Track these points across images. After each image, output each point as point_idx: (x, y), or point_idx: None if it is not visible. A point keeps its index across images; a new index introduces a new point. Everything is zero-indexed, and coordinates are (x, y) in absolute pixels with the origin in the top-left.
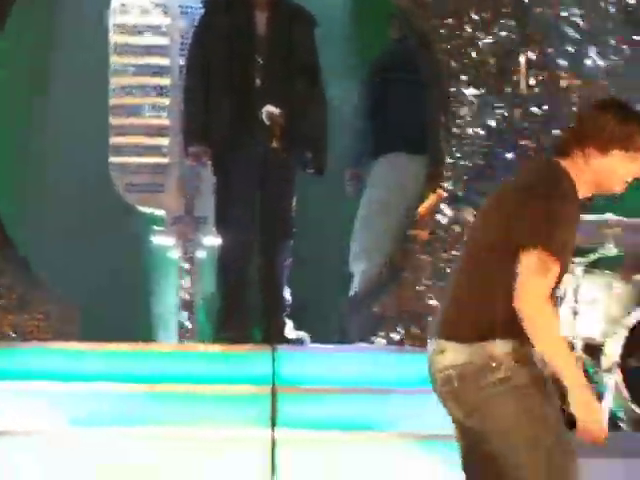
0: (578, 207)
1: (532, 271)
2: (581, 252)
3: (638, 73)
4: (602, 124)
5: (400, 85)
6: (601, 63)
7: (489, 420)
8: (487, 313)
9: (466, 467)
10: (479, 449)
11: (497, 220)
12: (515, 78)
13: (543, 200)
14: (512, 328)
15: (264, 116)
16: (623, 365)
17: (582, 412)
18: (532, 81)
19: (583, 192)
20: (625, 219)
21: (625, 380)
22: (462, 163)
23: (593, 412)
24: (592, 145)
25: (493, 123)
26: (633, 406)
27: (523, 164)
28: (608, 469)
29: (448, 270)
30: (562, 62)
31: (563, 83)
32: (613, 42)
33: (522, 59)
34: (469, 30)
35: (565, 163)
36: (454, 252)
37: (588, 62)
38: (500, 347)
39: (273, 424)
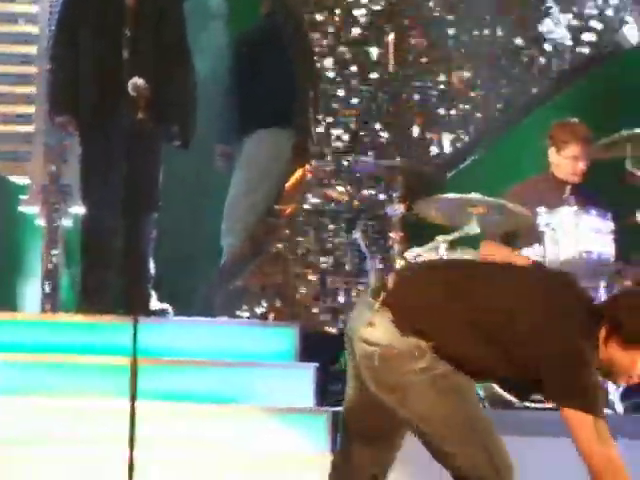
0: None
1: (594, 441)
2: (444, 231)
3: None
4: (635, 321)
5: (269, 60)
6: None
7: (409, 404)
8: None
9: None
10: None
11: (499, 314)
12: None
13: (581, 365)
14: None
15: (130, 88)
16: None
17: None
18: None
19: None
20: (488, 198)
21: None
22: (329, 140)
23: None
24: (616, 337)
25: (359, 100)
26: (493, 384)
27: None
28: None
29: (311, 245)
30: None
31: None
32: None
33: (390, 37)
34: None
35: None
36: (319, 228)
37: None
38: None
39: (133, 396)
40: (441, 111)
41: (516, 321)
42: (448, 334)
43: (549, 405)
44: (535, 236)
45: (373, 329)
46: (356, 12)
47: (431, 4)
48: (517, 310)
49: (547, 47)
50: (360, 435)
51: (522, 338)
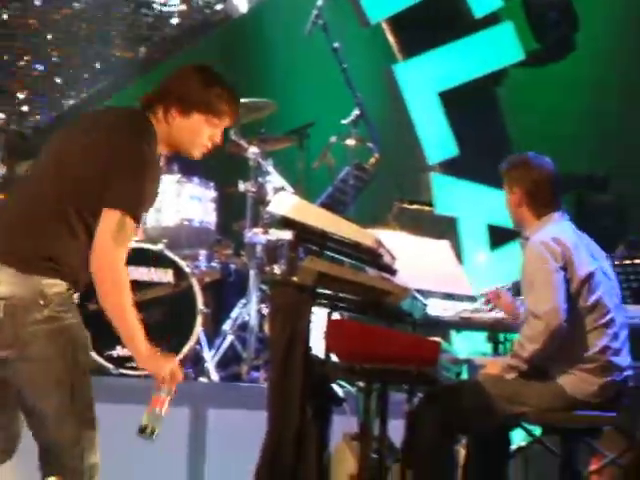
0: (159, 165)
1: (114, 238)
2: None
3: None
4: (186, 86)
5: None
6: None
7: (26, 357)
8: (41, 247)
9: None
10: (11, 389)
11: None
12: None
13: (130, 158)
14: (63, 269)
15: None
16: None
17: (154, 365)
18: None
19: (160, 149)
20: None
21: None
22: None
23: (162, 362)
24: (175, 105)
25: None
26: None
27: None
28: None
29: None
30: None
31: None
32: None
33: None
34: None
35: (150, 116)
36: None
37: None
38: (51, 286)
39: None
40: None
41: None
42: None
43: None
44: None
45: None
46: None
47: None
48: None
49: (155, 13)
50: None
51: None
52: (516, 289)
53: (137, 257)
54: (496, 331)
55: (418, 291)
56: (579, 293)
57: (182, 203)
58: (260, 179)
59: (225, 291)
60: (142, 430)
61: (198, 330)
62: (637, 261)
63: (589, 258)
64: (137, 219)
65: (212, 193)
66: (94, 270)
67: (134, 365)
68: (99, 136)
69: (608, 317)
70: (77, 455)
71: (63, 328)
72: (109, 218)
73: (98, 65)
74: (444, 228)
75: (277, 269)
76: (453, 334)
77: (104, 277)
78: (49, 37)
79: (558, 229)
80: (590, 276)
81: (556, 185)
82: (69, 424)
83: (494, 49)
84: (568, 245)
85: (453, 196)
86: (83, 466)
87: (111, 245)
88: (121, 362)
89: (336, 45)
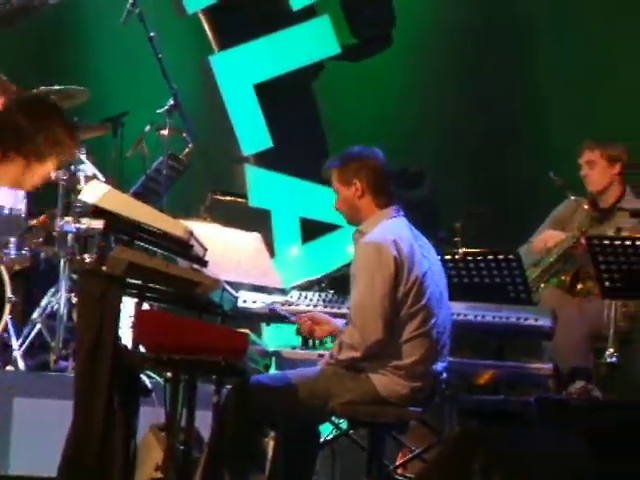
0: None
1: None
2: None
3: None
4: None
5: None
6: None
7: None
8: None
9: None
10: None
11: None
12: None
13: None
14: None
15: None
16: None
17: None
18: None
19: None
20: None
21: None
22: None
23: None
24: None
25: None
26: None
27: None
28: None
29: None
30: None
31: None
32: None
33: None
34: None
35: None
36: None
37: None
38: None
39: None
40: None
41: None
42: None
43: None
44: None
45: None
46: None
47: None
48: None
49: None
50: None
51: None
52: (327, 281)
53: None
54: None
55: (228, 283)
56: (405, 300)
57: None
58: (72, 167)
59: (35, 279)
60: None
61: (6, 318)
62: (447, 257)
63: (421, 259)
64: None
65: None
66: None
67: None
68: None
69: (430, 323)
70: None
71: None
72: None
73: None
74: (257, 220)
75: (88, 258)
76: (263, 326)
77: None
78: None
79: (395, 227)
80: (419, 280)
81: (390, 174)
82: None
83: (310, 42)
84: (404, 249)
85: (267, 188)
86: None
87: None
88: None
89: (152, 34)
